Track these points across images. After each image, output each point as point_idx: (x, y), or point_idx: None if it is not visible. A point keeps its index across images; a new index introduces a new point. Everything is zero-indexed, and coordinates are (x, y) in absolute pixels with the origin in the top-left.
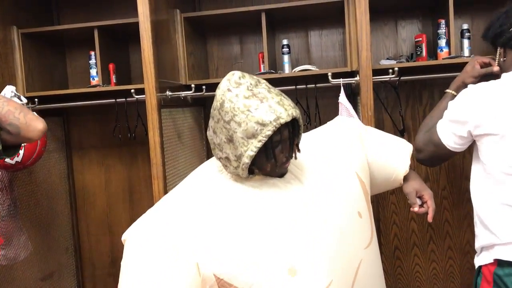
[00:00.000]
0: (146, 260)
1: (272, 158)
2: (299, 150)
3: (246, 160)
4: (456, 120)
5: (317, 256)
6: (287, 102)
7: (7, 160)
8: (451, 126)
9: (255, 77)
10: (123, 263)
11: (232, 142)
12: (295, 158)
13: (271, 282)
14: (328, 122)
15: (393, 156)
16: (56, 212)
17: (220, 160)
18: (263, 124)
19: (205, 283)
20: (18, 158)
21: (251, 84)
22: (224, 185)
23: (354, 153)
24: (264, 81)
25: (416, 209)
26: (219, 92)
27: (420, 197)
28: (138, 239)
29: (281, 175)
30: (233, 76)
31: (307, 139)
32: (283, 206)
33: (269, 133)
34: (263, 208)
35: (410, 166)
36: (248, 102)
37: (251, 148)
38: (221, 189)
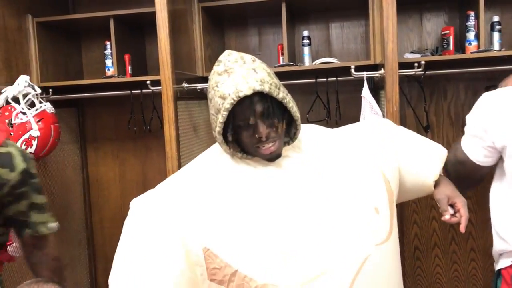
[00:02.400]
0: (137, 230)
1: (238, 138)
2: (291, 139)
3: (217, 135)
4: (476, 133)
5: (311, 242)
6: (255, 76)
7: None
8: (474, 140)
9: (244, 54)
10: (123, 227)
11: (211, 119)
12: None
13: (260, 262)
14: (361, 121)
15: (423, 159)
16: (70, 204)
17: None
18: (223, 98)
19: (191, 253)
20: (31, 149)
21: (229, 61)
22: (223, 164)
23: (383, 153)
24: (250, 57)
25: (447, 217)
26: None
27: (452, 205)
28: (136, 210)
29: (270, 159)
30: (222, 54)
31: (334, 131)
32: (278, 185)
33: (228, 106)
34: (254, 185)
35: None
36: (218, 78)
37: (218, 124)
38: (219, 168)
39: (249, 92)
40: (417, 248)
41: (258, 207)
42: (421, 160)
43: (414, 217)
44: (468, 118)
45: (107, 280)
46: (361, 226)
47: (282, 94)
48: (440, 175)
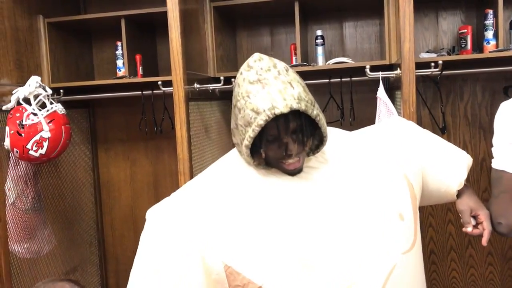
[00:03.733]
0: (154, 245)
1: (265, 152)
2: (312, 151)
3: (244, 149)
4: (505, 146)
5: (336, 254)
6: (292, 91)
7: (31, 152)
8: (506, 153)
9: (276, 61)
10: (140, 241)
11: (237, 129)
12: (301, 155)
13: (284, 277)
14: (383, 122)
15: (447, 166)
16: (81, 205)
17: (235, 146)
18: (257, 112)
19: (212, 271)
20: (42, 151)
21: (261, 68)
22: (242, 174)
23: (406, 155)
24: (283, 66)
25: (469, 229)
26: (237, 74)
27: (474, 217)
28: (152, 222)
29: (292, 173)
30: (251, 58)
31: (355, 134)
32: (304, 198)
33: (261, 122)
34: (280, 198)
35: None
36: (251, 87)
37: (247, 137)
38: (239, 177)
39: (286, 110)
40: (433, 252)
41: (280, 220)
42: (445, 167)
43: (430, 220)
44: (495, 134)
45: (118, 282)
46: (386, 234)
47: (316, 111)
48: (464, 184)
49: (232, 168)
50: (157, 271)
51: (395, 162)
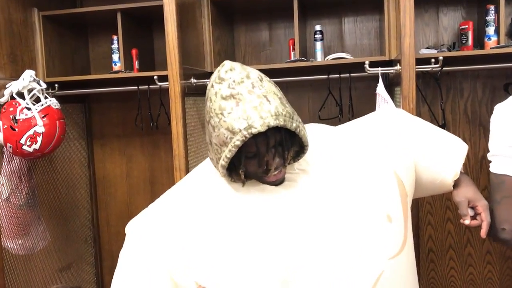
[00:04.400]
0: (128, 264)
1: (245, 169)
2: (293, 159)
3: (220, 169)
4: (504, 152)
5: (316, 267)
6: (269, 107)
7: (25, 147)
8: (505, 159)
9: (248, 69)
10: (119, 256)
11: (211, 146)
12: (281, 168)
13: None
14: (371, 113)
15: (442, 155)
16: (76, 201)
17: (211, 161)
18: (232, 132)
19: None
20: (36, 146)
21: (234, 81)
22: (219, 187)
23: (395, 149)
24: (256, 76)
25: (467, 222)
26: (208, 85)
27: (473, 208)
28: (129, 239)
29: (274, 184)
30: (222, 68)
31: (340, 130)
32: (283, 209)
33: (238, 143)
34: (258, 212)
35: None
36: (224, 103)
37: (223, 157)
38: (215, 191)
39: (263, 129)
40: (431, 250)
41: (256, 235)
42: (439, 156)
43: (429, 218)
44: (491, 138)
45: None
46: (371, 240)
47: (296, 123)
48: (460, 173)
49: (209, 181)
50: None
51: (383, 158)
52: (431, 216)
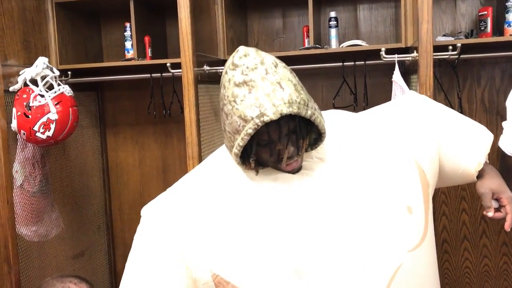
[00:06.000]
0: (143, 246)
1: (258, 157)
2: (310, 146)
3: (234, 156)
4: None
5: (331, 258)
6: (282, 94)
7: (38, 134)
8: None
9: (263, 55)
10: (134, 239)
11: (225, 133)
12: (298, 155)
13: (274, 284)
14: (393, 99)
15: (465, 145)
16: (89, 189)
17: (226, 148)
18: (245, 120)
19: (199, 281)
20: (49, 133)
21: (247, 67)
22: (231, 176)
23: (417, 136)
24: (271, 61)
25: (490, 214)
26: (222, 72)
27: (497, 199)
28: (144, 224)
29: (291, 173)
30: (236, 54)
31: (360, 116)
32: (294, 200)
33: (250, 131)
34: (273, 200)
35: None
36: (237, 90)
37: (236, 145)
38: (231, 178)
39: (275, 117)
40: (445, 241)
41: (271, 223)
42: (463, 145)
43: (443, 208)
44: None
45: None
46: (390, 232)
47: (311, 110)
48: (485, 163)
49: (225, 168)
50: (142, 277)
51: (405, 147)
52: (445, 206)
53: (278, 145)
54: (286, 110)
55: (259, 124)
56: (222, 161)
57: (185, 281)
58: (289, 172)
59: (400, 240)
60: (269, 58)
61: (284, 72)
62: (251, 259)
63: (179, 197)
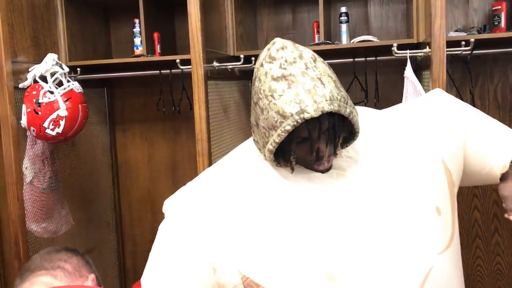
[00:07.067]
0: (167, 243)
1: (296, 155)
2: (341, 146)
3: (267, 153)
4: None
5: (363, 261)
6: (323, 91)
7: (48, 131)
8: None
9: (301, 48)
10: (157, 234)
11: (258, 128)
12: (334, 154)
13: (306, 286)
14: (421, 96)
15: (491, 144)
16: (98, 186)
17: (255, 143)
18: (283, 116)
19: (227, 284)
20: (59, 129)
21: (286, 61)
22: (263, 171)
23: (445, 136)
24: (310, 56)
25: None
26: (256, 64)
27: None
28: (169, 218)
29: (322, 172)
30: (273, 46)
31: (387, 114)
32: (329, 202)
33: (289, 128)
34: (304, 202)
35: None
36: (275, 85)
37: (271, 142)
38: (259, 175)
39: (316, 114)
40: None
41: (303, 224)
42: (489, 145)
43: None
44: None
45: (135, 263)
46: (420, 234)
47: (349, 109)
48: (510, 166)
49: (252, 163)
50: (165, 274)
51: (432, 146)
52: (457, 203)
53: (318, 143)
54: (327, 107)
55: (299, 121)
56: (249, 157)
57: (210, 285)
58: (320, 171)
59: (430, 242)
60: (308, 52)
61: (324, 68)
62: (283, 261)
63: (207, 192)
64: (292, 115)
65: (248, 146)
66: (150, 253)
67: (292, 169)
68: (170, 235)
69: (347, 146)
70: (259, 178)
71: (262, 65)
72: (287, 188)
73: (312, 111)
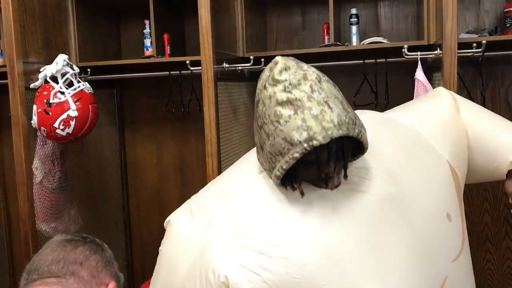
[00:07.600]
0: (168, 264)
1: (303, 178)
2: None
3: (274, 178)
4: None
5: (380, 273)
6: (331, 115)
7: (58, 131)
8: None
9: (305, 67)
10: (160, 250)
11: (263, 151)
12: (345, 177)
13: None
14: (423, 95)
15: (499, 140)
16: (107, 186)
17: (261, 165)
18: (291, 143)
19: None
20: (69, 130)
21: (290, 84)
22: (272, 192)
23: (448, 136)
24: (314, 76)
25: None
26: (258, 85)
27: None
28: (170, 237)
29: (331, 188)
30: (275, 67)
31: (396, 116)
32: (340, 213)
33: (297, 155)
34: (313, 221)
35: None
36: (280, 110)
37: (278, 168)
38: (269, 196)
39: (325, 141)
40: None
41: (325, 243)
42: (497, 141)
43: (465, 209)
44: None
45: (143, 263)
46: (435, 243)
47: (358, 128)
48: None
49: (263, 181)
50: None
51: (438, 148)
52: (467, 207)
53: (327, 168)
54: (336, 133)
55: (308, 148)
56: (257, 173)
57: None
58: (329, 188)
59: (444, 251)
60: (312, 72)
61: (329, 88)
62: (290, 281)
63: (214, 210)
64: (300, 142)
65: (250, 161)
66: (153, 277)
67: (302, 194)
68: (173, 258)
69: (355, 160)
70: (271, 198)
71: (265, 87)
72: (302, 209)
73: (321, 139)
